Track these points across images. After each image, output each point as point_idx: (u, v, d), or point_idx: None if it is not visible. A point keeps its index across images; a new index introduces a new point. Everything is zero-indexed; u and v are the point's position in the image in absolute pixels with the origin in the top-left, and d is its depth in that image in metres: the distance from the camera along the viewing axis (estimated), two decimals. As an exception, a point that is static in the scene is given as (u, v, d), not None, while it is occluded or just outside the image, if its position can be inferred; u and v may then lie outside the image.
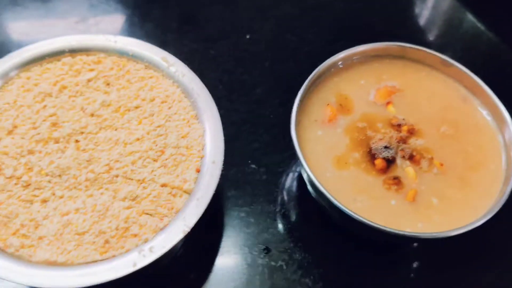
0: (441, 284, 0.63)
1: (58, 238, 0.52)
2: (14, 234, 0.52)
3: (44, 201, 0.54)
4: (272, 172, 0.70)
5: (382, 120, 0.63)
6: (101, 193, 0.54)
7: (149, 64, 0.64)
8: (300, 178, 0.70)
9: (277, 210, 0.67)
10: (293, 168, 0.71)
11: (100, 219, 0.53)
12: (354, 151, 0.61)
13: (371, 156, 0.60)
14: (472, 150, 0.62)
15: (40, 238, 0.52)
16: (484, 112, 0.64)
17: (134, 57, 0.64)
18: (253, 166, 0.71)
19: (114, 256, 0.51)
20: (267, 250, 0.64)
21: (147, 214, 0.54)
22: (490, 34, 0.89)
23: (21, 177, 0.54)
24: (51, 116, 0.58)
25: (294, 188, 0.70)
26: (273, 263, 0.63)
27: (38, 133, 0.57)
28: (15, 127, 0.57)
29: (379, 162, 0.59)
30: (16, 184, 0.54)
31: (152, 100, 0.61)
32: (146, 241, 0.52)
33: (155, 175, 0.55)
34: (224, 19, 0.88)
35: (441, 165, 0.60)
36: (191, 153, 0.58)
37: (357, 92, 0.66)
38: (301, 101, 0.61)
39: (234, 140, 0.66)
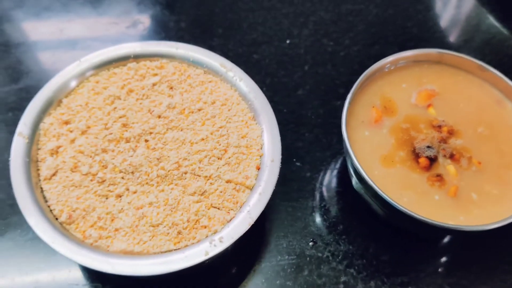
0: (478, 273, 0.67)
1: (134, 229, 0.56)
2: (92, 226, 0.57)
3: (119, 196, 0.58)
4: (316, 169, 0.75)
5: (424, 121, 0.68)
6: (172, 188, 0.59)
7: (208, 70, 0.68)
8: (341, 175, 0.74)
9: (322, 205, 0.72)
10: (334, 166, 0.76)
11: (172, 212, 0.57)
12: (399, 150, 0.65)
13: (415, 155, 0.65)
14: (507, 150, 0.66)
15: (117, 230, 0.56)
16: None
17: (194, 63, 0.68)
18: (298, 163, 0.75)
19: (186, 246, 0.56)
20: (313, 242, 0.68)
21: (215, 207, 0.58)
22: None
23: (96, 174, 0.59)
24: (121, 117, 0.62)
25: (335, 184, 0.74)
26: (319, 254, 0.68)
27: (111, 133, 0.61)
28: (88, 127, 0.62)
29: (422, 161, 0.64)
30: (92, 180, 0.59)
31: (213, 103, 0.65)
32: (215, 232, 0.56)
33: (220, 172, 0.60)
34: (266, 25, 0.92)
35: (479, 163, 0.64)
36: (251, 152, 0.62)
37: (400, 95, 0.70)
38: (349, 103, 0.66)
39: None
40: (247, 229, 0.56)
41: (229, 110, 0.65)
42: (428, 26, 0.95)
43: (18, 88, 0.80)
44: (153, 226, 0.56)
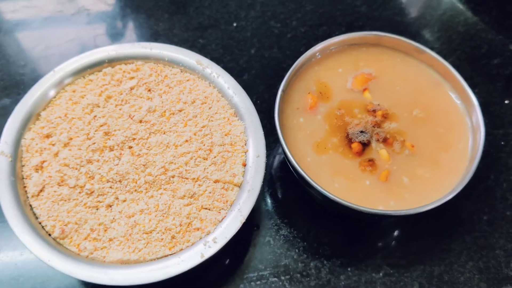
0: (416, 253, 0.68)
1: (128, 238, 0.57)
2: (86, 238, 0.57)
3: (109, 205, 0.59)
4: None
5: (359, 106, 0.68)
6: (161, 194, 0.59)
7: (185, 68, 0.68)
8: (284, 161, 0.75)
9: (265, 190, 0.73)
10: (279, 151, 0.76)
11: (164, 217, 0.58)
12: (333, 136, 0.66)
13: (348, 140, 0.65)
14: (442, 132, 0.67)
15: (111, 240, 0.57)
16: (454, 96, 0.69)
17: (169, 62, 0.68)
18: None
19: (182, 249, 0.57)
20: (256, 227, 0.70)
21: (205, 209, 0.59)
22: (468, 14, 0.93)
23: (84, 186, 0.59)
24: (102, 125, 0.62)
25: (279, 170, 0.75)
26: (261, 239, 0.69)
27: (94, 143, 0.61)
28: (70, 139, 0.61)
29: (355, 146, 0.65)
30: (80, 192, 0.59)
31: (193, 102, 0.65)
32: (208, 233, 0.57)
33: (207, 173, 0.60)
34: (212, 8, 0.90)
35: (412, 146, 0.65)
36: (236, 149, 0.63)
37: (336, 80, 0.70)
38: (283, 91, 0.66)
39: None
40: (239, 227, 0.57)
41: (210, 108, 0.65)
42: (377, 4, 0.94)
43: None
44: (147, 233, 0.57)
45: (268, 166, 0.75)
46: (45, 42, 0.85)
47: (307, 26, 0.88)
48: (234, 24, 0.87)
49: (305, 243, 0.69)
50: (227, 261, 0.68)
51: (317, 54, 0.70)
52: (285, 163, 0.74)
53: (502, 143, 0.75)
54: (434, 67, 0.71)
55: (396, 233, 0.70)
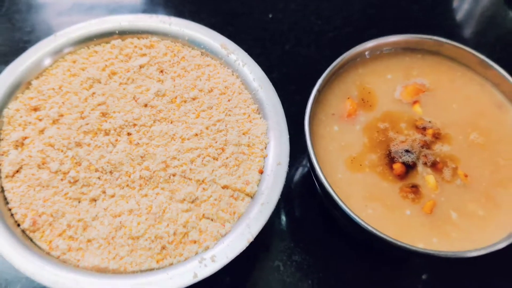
0: None
1: (109, 241, 0.47)
2: (60, 235, 0.48)
3: (93, 199, 0.49)
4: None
5: (407, 120, 0.58)
6: (157, 193, 0.49)
7: (206, 51, 0.58)
8: (309, 174, 0.64)
9: (281, 205, 0.63)
10: (304, 162, 0.66)
11: (156, 222, 0.48)
12: (371, 152, 0.56)
13: (390, 159, 0.55)
14: (504, 164, 0.56)
15: (89, 241, 0.47)
16: None
17: (189, 43, 0.58)
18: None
19: (172, 264, 0.47)
20: (265, 249, 0.60)
21: (207, 218, 0.49)
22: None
23: (68, 172, 0.49)
24: (100, 104, 0.53)
25: (301, 184, 0.65)
26: (269, 263, 0.59)
27: (87, 123, 0.51)
28: (61, 115, 0.52)
29: (398, 167, 0.54)
30: (62, 179, 0.50)
31: (211, 91, 0.55)
32: (207, 248, 0.47)
33: (216, 176, 0.50)
34: None
35: (466, 176, 0.54)
36: (253, 152, 0.53)
37: (383, 87, 0.60)
38: (319, 91, 0.56)
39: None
40: (244, 248, 0.47)
41: (229, 100, 0.55)
42: (437, 12, 0.83)
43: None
44: (133, 239, 0.47)
45: (289, 178, 0.64)
46: (57, 8, 0.76)
47: (353, 26, 0.78)
48: (270, 15, 0.78)
49: (320, 275, 0.59)
50: (227, 282, 0.57)
51: (366, 53, 0.60)
52: (309, 177, 0.63)
53: None
54: (499, 86, 0.60)
55: (426, 276, 0.59)
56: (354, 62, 0.60)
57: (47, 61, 0.55)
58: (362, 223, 0.48)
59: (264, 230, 0.58)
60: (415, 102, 0.59)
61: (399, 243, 0.47)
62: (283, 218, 0.62)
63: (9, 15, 0.76)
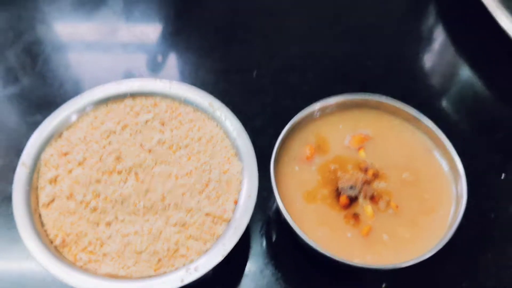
0: None
1: (119, 255, 0.62)
2: (83, 250, 0.63)
3: (108, 224, 0.64)
4: (263, 199, 0.77)
5: (353, 162, 0.71)
6: (156, 219, 0.65)
7: (197, 108, 0.74)
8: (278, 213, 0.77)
9: (259, 231, 0.76)
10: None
11: (154, 241, 0.63)
12: (323, 187, 0.69)
13: (338, 193, 0.68)
14: (427, 197, 0.69)
15: (105, 254, 0.63)
16: (443, 163, 0.71)
17: (185, 102, 0.75)
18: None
19: (165, 272, 0.62)
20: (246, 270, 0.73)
21: (193, 238, 0.64)
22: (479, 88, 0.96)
23: (89, 202, 0.65)
24: (115, 151, 0.69)
25: (277, 214, 0.78)
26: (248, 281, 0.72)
27: (105, 165, 0.67)
28: (85, 159, 0.68)
29: (343, 199, 0.68)
30: (85, 208, 0.65)
31: (199, 139, 0.71)
32: (192, 261, 0.62)
33: (201, 206, 0.66)
34: (238, 55, 0.97)
35: (397, 207, 0.67)
36: (230, 187, 0.68)
37: (335, 136, 0.74)
38: (283, 140, 0.70)
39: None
40: (220, 260, 0.62)
41: (213, 147, 0.71)
42: (394, 69, 0.98)
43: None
44: (137, 253, 0.62)
45: (267, 208, 0.79)
46: (83, 67, 0.94)
47: (324, 81, 0.94)
48: (254, 73, 0.94)
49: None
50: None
51: (316, 112, 0.75)
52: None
53: (492, 215, 0.77)
54: (428, 134, 0.74)
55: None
56: (312, 116, 0.75)
57: (74, 117, 0.72)
58: (310, 241, 0.62)
59: (241, 253, 0.73)
60: (360, 148, 0.73)
61: (337, 259, 0.61)
62: (260, 241, 0.76)
63: (42, 71, 0.94)
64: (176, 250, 0.63)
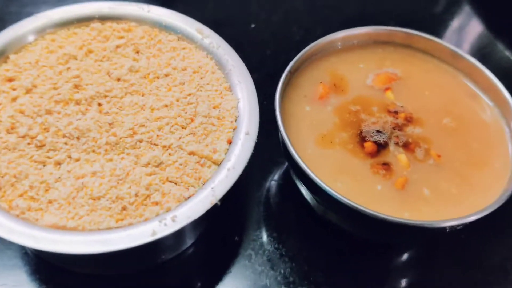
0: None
1: (69, 202, 0.46)
2: (21, 195, 0.47)
3: (58, 163, 0.48)
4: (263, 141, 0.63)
5: (378, 104, 0.58)
6: (122, 158, 0.49)
7: (182, 36, 0.60)
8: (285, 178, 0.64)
9: (254, 195, 0.62)
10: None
11: (118, 184, 0.47)
12: (342, 131, 0.55)
13: (361, 138, 0.55)
14: (477, 147, 0.55)
15: (50, 201, 0.46)
16: (495, 110, 0.58)
17: (166, 28, 0.60)
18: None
19: (131, 224, 0.45)
20: (237, 237, 0.58)
21: (171, 182, 0.48)
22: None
23: (35, 137, 0.49)
24: (74, 77, 0.53)
25: (277, 176, 0.65)
26: (241, 251, 0.57)
27: (59, 94, 0.52)
28: (35, 86, 0.53)
29: (369, 145, 0.54)
30: (29, 144, 0.49)
31: (184, 69, 0.56)
32: (168, 210, 0.46)
33: (183, 142, 0.50)
34: (232, 6, 0.84)
35: (438, 156, 0.54)
36: (223, 124, 0.52)
37: (355, 75, 0.61)
38: (291, 73, 0.57)
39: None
40: (208, 209, 0.45)
41: (201, 78, 0.56)
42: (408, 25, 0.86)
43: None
44: (93, 199, 0.46)
45: (263, 170, 0.63)
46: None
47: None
48: (252, 25, 0.80)
49: (293, 264, 0.57)
50: (196, 268, 0.55)
51: (338, 43, 0.61)
52: (284, 167, 0.63)
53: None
54: (471, 76, 0.60)
55: (404, 259, 0.58)
56: (327, 51, 0.61)
57: (26, 39, 0.57)
58: (333, 192, 0.46)
59: (235, 220, 0.58)
60: (387, 89, 0.59)
61: (369, 211, 0.45)
62: (256, 208, 0.60)
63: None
64: (148, 196, 0.47)
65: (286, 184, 0.63)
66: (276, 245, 0.58)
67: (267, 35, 0.79)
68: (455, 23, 0.86)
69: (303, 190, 0.56)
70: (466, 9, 0.89)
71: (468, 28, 0.87)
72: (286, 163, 0.65)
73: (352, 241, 0.58)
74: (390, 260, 0.58)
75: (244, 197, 0.61)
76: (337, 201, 0.46)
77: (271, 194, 0.62)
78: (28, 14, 0.58)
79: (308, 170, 0.48)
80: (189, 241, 0.56)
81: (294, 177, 0.56)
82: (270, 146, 0.59)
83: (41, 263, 0.55)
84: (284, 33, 0.80)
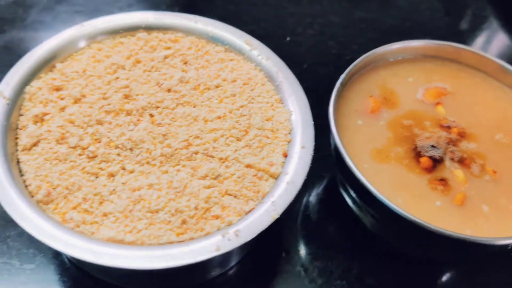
0: None
1: (126, 215, 0.44)
2: (74, 208, 0.45)
3: (111, 175, 0.47)
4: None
5: (430, 119, 0.57)
6: (178, 170, 0.47)
7: (230, 47, 0.59)
8: (330, 180, 0.63)
9: (301, 209, 0.61)
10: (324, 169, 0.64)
11: (177, 196, 0.45)
12: (396, 145, 0.55)
13: (416, 153, 0.54)
14: None
15: (105, 214, 0.45)
16: None
17: (213, 39, 0.59)
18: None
19: (192, 238, 0.43)
20: (286, 253, 0.57)
21: (230, 195, 0.47)
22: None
23: (86, 148, 0.48)
24: (123, 87, 0.52)
25: (324, 188, 0.64)
26: (290, 267, 0.56)
27: (109, 104, 0.51)
28: (83, 96, 0.51)
29: (424, 160, 0.53)
30: (80, 154, 0.48)
31: (234, 81, 0.55)
32: (230, 224, 0.44)
33: (239, 155, 0.49)
34: (268, 20, 0.84)
35: (494, 172, 0.53)
36: (277, 136, 0.51)
37: (404, 88, 0.60)
38: (342, 85, 0.56)
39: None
40: (270, 223, 0.44)
41: (252, 90, 0.55)
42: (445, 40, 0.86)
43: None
44: (152, 212, 0.45)
45: (305, 183, 0.62)
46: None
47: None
48: (288, 38, 0.79)
49: (344, 282, 0.55)
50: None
51: (388, 57, 0.61)
52: (331, 181, 0.61)
53: None
54: None
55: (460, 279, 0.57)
56: (376, 64, 0.61)
57: (72, 48, 0.56)
58: (397, 208, 0.45)
59: (283, 233, 0.56)
60: (437, 103, 0.59)
61: (440, 230, 0.44)
62: (305, 222, 0.59)
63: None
64: (207, 210, 0.45)
65: (330, 199, 0.62)
66: (325, 262, 0.56)
67: (303, 48, 0.79)
68: (485, 37, 0.87)
69: (353, 205, 0.55)
70: (494, 23, 0.90)
71: (497, 41, 0.87)
72: (327, 177, 0.64)
73: (404, 258, 0.57)
74: (442, 277, 0.56)
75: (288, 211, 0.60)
76: (402, 219, 0.45)
77: (315, 208, 0.61)
78: (62, 24, 0.57)
79: (371, 186, 0.47)
80: (237, 257, 0.54)
81: (344, 192, 0.55)
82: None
83: (83, 276, 0.53)
84: (320, 47, 0.79)
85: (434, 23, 0.89)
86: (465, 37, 0.87)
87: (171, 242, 0.43)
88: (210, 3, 0.86)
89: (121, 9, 0.83)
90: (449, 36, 0.86)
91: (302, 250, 0.57)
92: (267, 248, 0.57)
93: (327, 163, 0.62)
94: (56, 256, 0.54)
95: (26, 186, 0.46)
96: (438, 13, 0.91)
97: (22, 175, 0.46)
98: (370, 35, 0.83)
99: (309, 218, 0.60)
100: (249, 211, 0.46)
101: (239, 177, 0.47)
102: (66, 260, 0.54)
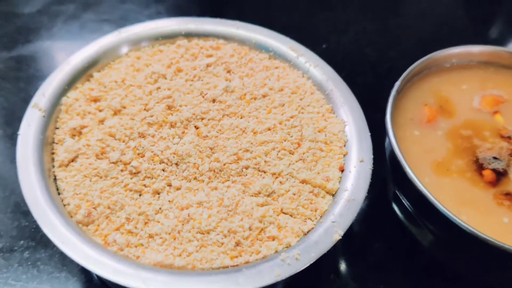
0: None
1: (175, 236, 0.41)
2: (117, 229, 0.41)
3: (157, 192, 0.43)
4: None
5: (490, 129, 0.54)
6: (228, 186, 0.44)
7: (274, 54, 0.55)
8: (380, 198, 0.58)
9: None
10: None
11: (229, 215, 0.42)
12: (457, 157, 0.51)
13: (478, 166, 0.50)
14: None
15: (151, 236, 0.41)
16: None
17: (257, 46, 0.56)
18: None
19: (248, 262, 0.40)
20: (335, 274, 0.53)
21: (285, 213, 0.43)
22: None
23: (129, 163, 0.44)
24: (166, 98, 0.49)
25: (376, 203, 0.59)
26: None
27: (151, 115, 0.47)
28: (123, 107, 0.48)
29: (487, 174, 0.49)
30: (122, 170, 0.44)
31: (281, 90, 0.52)
32: (288, 246, 0.41)
33: (293, 169, 0.45)
34: (301, 27, 0.81)
35: None
36: (331, 149, 0.47)
37: (459, 96, 0.57)
38: (397, 92, 0.52)
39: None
40: (333, 245, 0.40)
41: (301, 99, 0.51)
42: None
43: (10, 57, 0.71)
44: (202, 233, 0.41)
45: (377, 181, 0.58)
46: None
47: (408, 58, 0.75)
48: (324, 46, 0.76)
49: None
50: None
51: (443, 61, 0.57)
52: (383, 192, 0.57)
53: None
54: None
55: None
56: (428, 71, 0.57)
57: (109, 56, 0.52)
58: (463, 224, 0.41)
59: (332, 252, 0.52)
60: (495, 112, 0.55)
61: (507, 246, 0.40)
62: (355, 241, 0.55)
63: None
64: (263, 230, 0.41)
65: (378, 214, 0.57)
66: (378, 284, 0.52)
67: (339, 56, 0.75)
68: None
69: (406, 220, 0.51)
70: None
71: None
72: (372, 191, 0.60)
73: (462, 283, 0.52)
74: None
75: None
76: (468, 235, 0.41)
77: (361, 224, 0.56)
78: (89, 33, 0.54)
79: (436, 201, 0.43)
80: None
81: (397, 207, 0.51)
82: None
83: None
84: (356, 54, 0.76)
85: (472, 29, 0.85)
86: (504, 44, 0.83)
87: (226, 267, 0.39)
88: (239, 10, 0.83)
89: (150, 17, 0.80)
90: (488, 43, 0.82)
91: (351, 272, 0.53)
92: (315, 268, 0.53)
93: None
94: (90, 280, 0.51)
95: (64, 205, 0.42)
96: (476, 20, 0.87)
97: (59, 193, 0.43)
98: (406, 41, 0.79)
99: (355, 234, 0.56)
100: (308, 232, 0.42)
101: (294, 194, 0.43)
102: (98, 283, 0.50)
